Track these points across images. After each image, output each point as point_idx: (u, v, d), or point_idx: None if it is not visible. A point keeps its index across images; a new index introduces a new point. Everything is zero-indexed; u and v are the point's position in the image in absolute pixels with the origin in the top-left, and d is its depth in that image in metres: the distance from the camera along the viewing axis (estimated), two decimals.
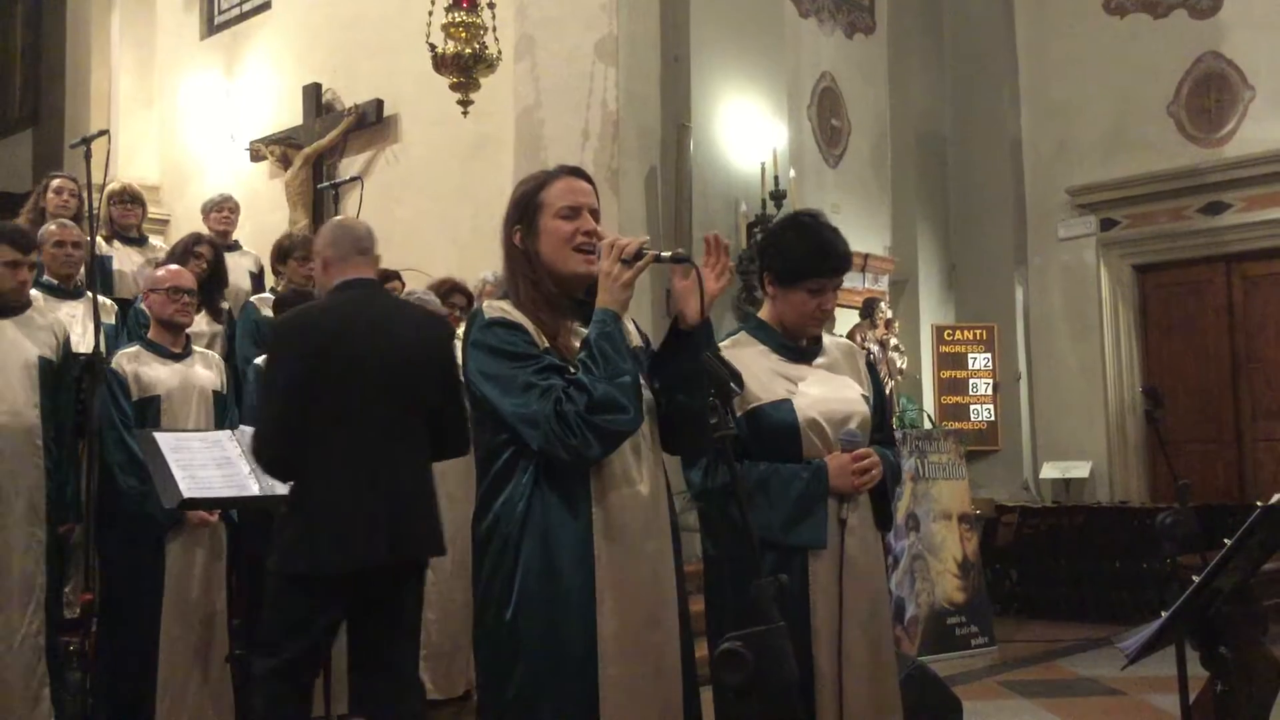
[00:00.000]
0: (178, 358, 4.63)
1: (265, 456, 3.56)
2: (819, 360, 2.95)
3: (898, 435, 7.21)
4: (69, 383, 4.41)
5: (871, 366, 3.11)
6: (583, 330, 2.34)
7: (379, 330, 3.55)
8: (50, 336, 4.38)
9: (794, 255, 2.90)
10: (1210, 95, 9.18)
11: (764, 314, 2.99)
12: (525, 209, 2.44)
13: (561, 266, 2.39)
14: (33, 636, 4.18)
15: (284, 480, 3.65)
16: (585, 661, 2.23)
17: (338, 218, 3.68)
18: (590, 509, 2.28)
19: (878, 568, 2.92)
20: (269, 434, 3.51)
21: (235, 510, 4.53)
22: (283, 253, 6.02)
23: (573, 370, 2.27)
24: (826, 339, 3.04)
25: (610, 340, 2.24)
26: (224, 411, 4.72)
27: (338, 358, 3.47)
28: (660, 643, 2.33)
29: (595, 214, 2.46)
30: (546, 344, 2.32)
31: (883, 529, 2.96)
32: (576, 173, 2.49)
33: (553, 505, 2.27)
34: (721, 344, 2.97)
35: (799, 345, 2.94)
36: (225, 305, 5.94)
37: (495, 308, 2.37)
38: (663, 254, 2.29)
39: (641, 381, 2.37)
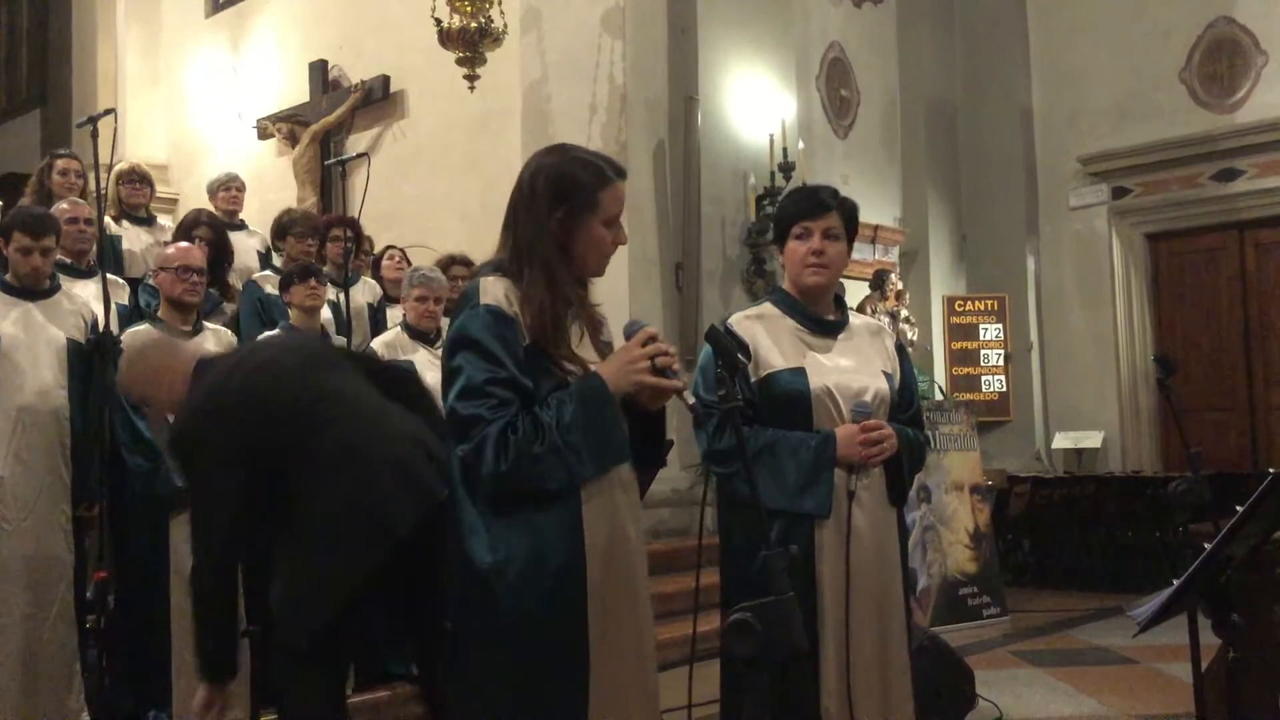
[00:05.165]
0: (187, 336, 4.64)
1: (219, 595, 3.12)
2: (843, 336, 2.94)
3: None
4: (98, 364, 4.46)
5: (901, 349, 3.08)
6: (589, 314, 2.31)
7: None
8: (79, 319, 4.47)
9: (778, 211, 2.99)
10: (1223, 61, 9.11)
11: (785, 284, 3.00)
12: (578, 201, 2.28)
13: (591, 266, 2.33)
14: (65, 612, 4.31)
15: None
16: (576, 644, 2.19)
17: (129, 364, 3.29)
18: (580, 498, 2.20)
19: (890, 542, 2.88)
20: (223, 567, 3.06)
21: None
22: (281, 229, 6.05)
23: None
24: (854, 319, 3.02)
25: (591, 411, 2.15)
26: None
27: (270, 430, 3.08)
28: (641, 623, 2.31)
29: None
30: (528, 341, 2.21)
31: (896, 504, 2.92)
32: (624, 175, 2.37)
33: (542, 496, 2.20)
34: (744, 313, 2.96)
35: (822, 318, 2.92)
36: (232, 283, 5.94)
37: (494, 293, 2.24)
38: (685, 395, 2.21)
39: None
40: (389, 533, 2.94)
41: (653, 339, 2.20)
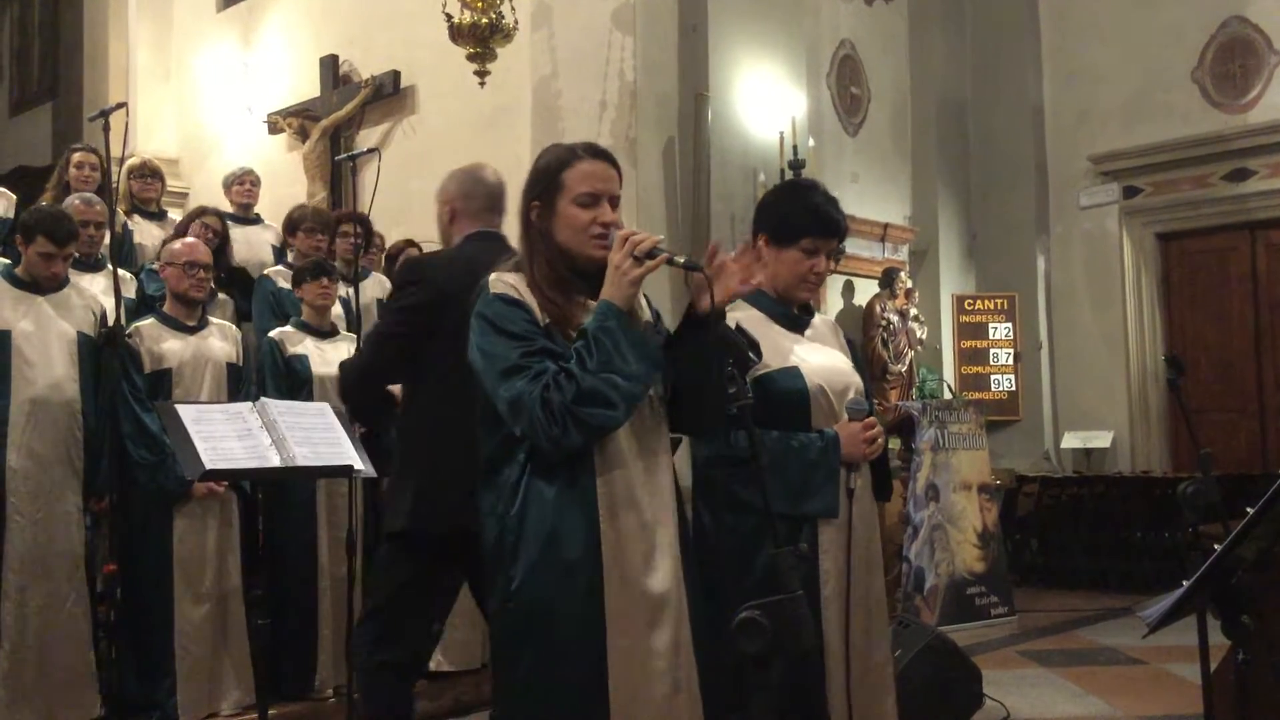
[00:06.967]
0: (192, 330, 4.66)
1: (354, 399, 3.55)
2: (809, 332, 2.97)
3: (917, 405, 7.21)
4: (107, 358, 4.48)
5: (851, 343, 3.13)
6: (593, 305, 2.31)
7: None
8: (88, 314, 4.51)
9: (791, 214, 2.92)
10: (1235, 61, 9.07)
11: (758, 280, 2.98)
12: (545, 187, 2.37)
13: (577, 251, 2.34)
14: (78, 604, 4.36)
15: (366, 424, 3.79)
16: (592, 637, 2.20)
17: (471, 166, 3.67)
18: (595, 484, 2.24)
19: (877, 538, 2.97)
20: (367, 375, 3.47)
21: (248, 482, 4.57)
22: (292, 225, 6.05)
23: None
24: (814, 315, 3.05)
25: (609, 334, 2.19)
26: (238, 383, 4.74)
27: (456, 306, 3.08)
28: (670, 616, 2.28)
29: (616, 200, 2.38)
30: (547, 320, 2.28)
31: (881, 499, 3.00)
32: (601, 155, 2.40)
33: (556, 480, 2.24)
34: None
35: (793, 313, 2.94)
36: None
37: (503, 281, 2.33)
38: (675, 258, 2.23)
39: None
40: None
41: (625, 239, 2.24)
